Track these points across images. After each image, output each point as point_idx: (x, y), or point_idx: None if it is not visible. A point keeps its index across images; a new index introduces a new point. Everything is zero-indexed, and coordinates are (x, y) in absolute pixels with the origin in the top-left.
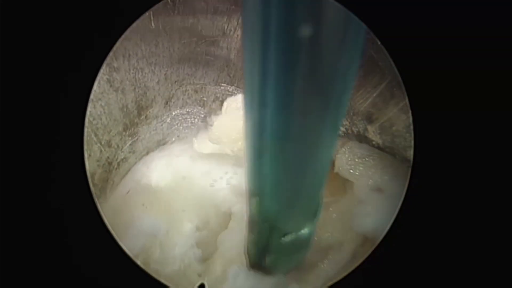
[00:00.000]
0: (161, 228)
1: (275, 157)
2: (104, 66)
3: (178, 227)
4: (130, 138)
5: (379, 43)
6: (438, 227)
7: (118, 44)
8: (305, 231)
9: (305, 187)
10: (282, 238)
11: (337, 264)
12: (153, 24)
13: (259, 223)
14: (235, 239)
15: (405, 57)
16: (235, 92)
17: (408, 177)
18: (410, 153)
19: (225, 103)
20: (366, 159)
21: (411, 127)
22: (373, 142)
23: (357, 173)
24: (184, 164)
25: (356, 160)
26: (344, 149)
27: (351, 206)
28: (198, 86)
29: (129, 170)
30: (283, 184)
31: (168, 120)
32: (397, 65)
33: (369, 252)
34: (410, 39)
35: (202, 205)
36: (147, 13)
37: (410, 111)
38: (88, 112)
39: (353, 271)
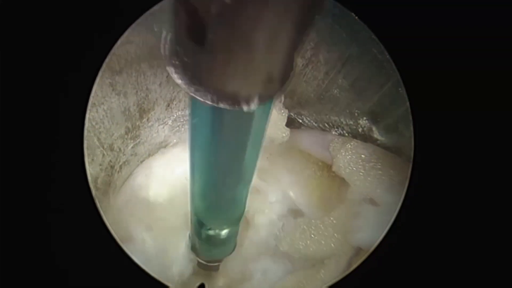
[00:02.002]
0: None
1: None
2: (106, 69)
3: (175, 244)
4: (132, 141)
5: (382, 47)
6: (438, 227)
7: (120, 47)
8: (226, 230)
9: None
10: (207, 232)
11: (333, 273)
12: (155, 27)
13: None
14: (238, 254)
15: (405, 57)
16: None
17: (408, 177)
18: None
19: None
20: (369, 162)
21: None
22: (378, 142)
23: (360, 174)
24: (183, 175)
25: (360, 160)
26: (347, 149)
27: (347, 217)
28: None
29: (130, 173)
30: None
31: (170, 122)
32: (397, 65)
33: (369, 253)
34: (410, 39)
35: None
36: (148, 13)
37: (409, 110)
38: (89, 115)
39: (352, 272)
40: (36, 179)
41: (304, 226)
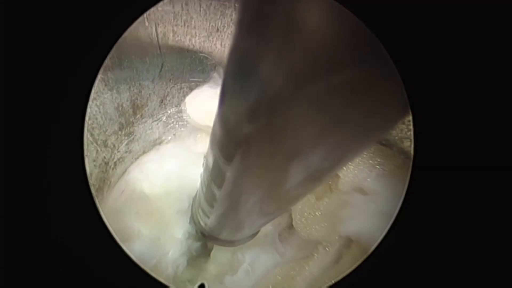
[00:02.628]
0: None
1: None
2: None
3: (170, 234)
4: (126, 137)
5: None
6: (437, 227)
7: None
8: None
9: None
10: None
11: (322, 264)
12: (146, 23)
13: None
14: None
15: (404, 56)
16: None
17: (408, 177)
18: (407, 145)
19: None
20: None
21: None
22: None
23: (349, 165)
24: (177, 168)
25: None
26: None
27: (336, 208)
28: (193, 83)
29: (125, 170)
30: None
31: (164, 118)
32: (396, 64)
33: (369, 252)
34: (410, 38)
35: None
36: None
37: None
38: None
39: (352, 271)
40: (32, 174)
41: (298, 216)
